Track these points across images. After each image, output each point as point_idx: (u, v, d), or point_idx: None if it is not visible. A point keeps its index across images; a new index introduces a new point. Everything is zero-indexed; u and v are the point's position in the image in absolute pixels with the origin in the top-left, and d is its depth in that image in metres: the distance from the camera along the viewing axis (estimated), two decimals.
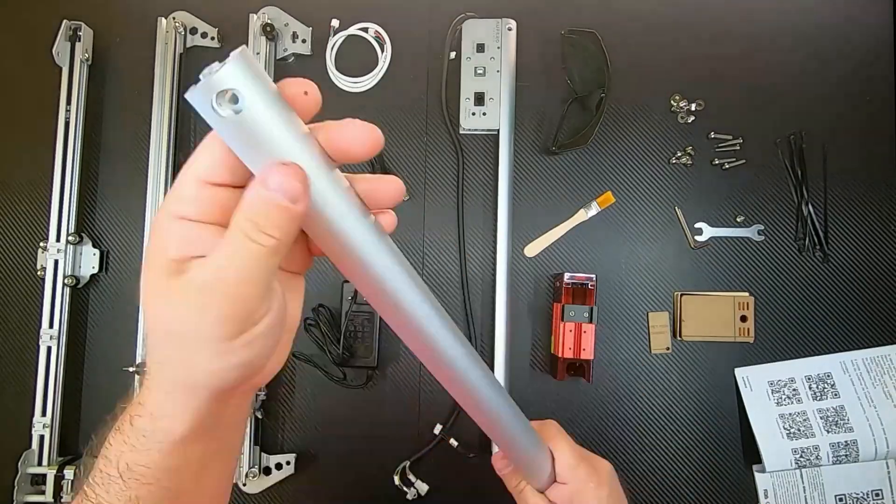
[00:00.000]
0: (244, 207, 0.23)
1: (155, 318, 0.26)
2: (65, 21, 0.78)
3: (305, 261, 0.30)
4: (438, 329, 0.31)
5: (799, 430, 0.75)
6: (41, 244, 0.77)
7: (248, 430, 0.72)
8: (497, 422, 0.39)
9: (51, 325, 0.74)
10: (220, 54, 0.81)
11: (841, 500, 0.74)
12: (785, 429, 0.75)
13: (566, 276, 0.73)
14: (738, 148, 0.80)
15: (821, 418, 0.75)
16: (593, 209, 0.79)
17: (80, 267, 0.77)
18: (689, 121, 0.80)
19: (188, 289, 0.24)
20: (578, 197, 0.80)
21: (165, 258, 0.25)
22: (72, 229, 0.75)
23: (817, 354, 0.77)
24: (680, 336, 0.77)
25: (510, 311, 0.77)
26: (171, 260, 0.25)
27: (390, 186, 0.27)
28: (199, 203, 0.25)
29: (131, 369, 0.73)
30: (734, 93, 0.80)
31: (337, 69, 0.81)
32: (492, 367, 0.76)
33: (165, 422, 0.27)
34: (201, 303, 0.24)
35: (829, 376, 0.76)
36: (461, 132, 0.80)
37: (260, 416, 0.74)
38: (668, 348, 0.78)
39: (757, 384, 0.77)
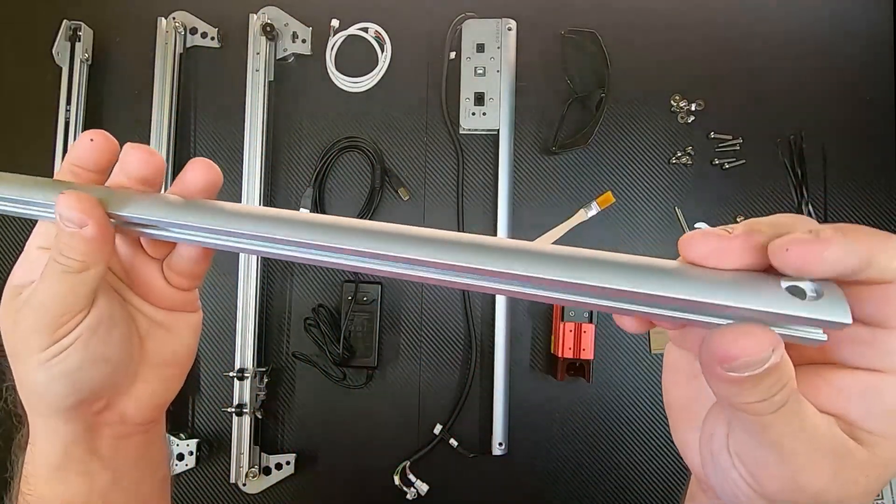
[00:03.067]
0: (56, 234, 0.27)
1: (4, 341, 0.29)
2: (65, 21, 0.78)
3: (172, 297, 0.32)
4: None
5: None
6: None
7: (248, 430, 0.73)
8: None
9: None
10: (221, 54, 0.81)
11: None
12: None
13: None
14: (738, 148, 0.80)
15: None
16: (593, 209, 0.79)
17: None
18: (689, 121, 0.80)
19: (12, 306, 0.27)
20: (578, 197, 0.80)
21: (11, 284, 0.28)
22: None
23: None
24: None
25: (510, 311, 0.77)
26: (14, 286, 0.28)
27: (195, 173, 0.28)
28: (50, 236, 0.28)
29: None
30: (734, 93, 0.80)
31: (337, 69, 0.81)
32: (492, 368, 0.76)
33: (40, 446, 0.30)
34: (18, 317, 0.27)
35: None
36: (461, 132, 0.80)
37: (260, 416, 0.74)
38: None
39: None
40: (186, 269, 0.31)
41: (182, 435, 0.75)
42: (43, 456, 0.30)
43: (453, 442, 0.76)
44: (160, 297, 0.32)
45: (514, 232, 0.78)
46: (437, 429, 0.76)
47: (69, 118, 0.76)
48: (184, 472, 0.75)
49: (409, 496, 0.75)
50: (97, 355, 0.28)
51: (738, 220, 0.79)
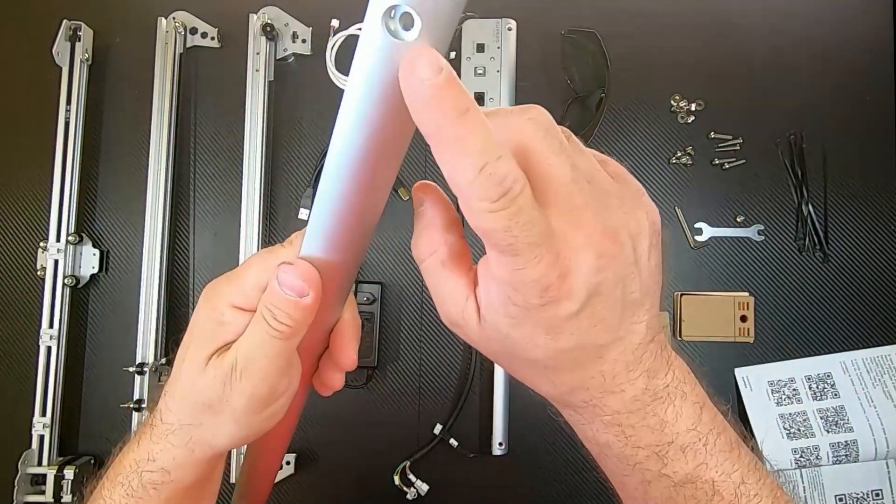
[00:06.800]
0: (264, 298, 0.27)
1: (192, 388, 0.29)
2: (65, 21, 0.78)
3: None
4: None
5: (799, 430, 0.75)
6: (41, 244, 0.77)
7: None
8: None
9: (51, 325, 0.74)
10: (221, 54, 0.81)
11: (841, 500, 0.74)
12: (785, 429, 0.75)
13: None
14: (738, 148, 0.80)
15: (821, 418, 0.75)
16: None
17: (80, 267, 0.77)
18: (689, 121, 0.80)
19: (222, 367, 0.28)
20: None
21: (213, 340, 0.29)
22: (72, 229, 0.75)
23: (817, 354, 0.77)
24: (680, 336, 0.77)
25: None
26: (215, 343, 0.29)
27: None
28: (253, 297, 0.29)
29: (131, 369, 0.73)
30: (734, 93, 0.80)
31: (337, 69, 0.81)
32: (492, 368, 0.76)
33: (179, 473, 0.31)
34: (232, 381, 0.28)
35: (829, 376, 0.76)
36: None
37: None
38: None
39: (757, 384, 0.77)
40: (340, 371, 0.34)
41: None
42: (178, 481, 0.31)
43: (453, 442, 0.76)
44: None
45: None
46: (437, 429, 0.76)
47: (69, 118, 0.76)
48: None
49: (409, 496, 0.75)
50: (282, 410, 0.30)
51: (738, 220, 0.79)
